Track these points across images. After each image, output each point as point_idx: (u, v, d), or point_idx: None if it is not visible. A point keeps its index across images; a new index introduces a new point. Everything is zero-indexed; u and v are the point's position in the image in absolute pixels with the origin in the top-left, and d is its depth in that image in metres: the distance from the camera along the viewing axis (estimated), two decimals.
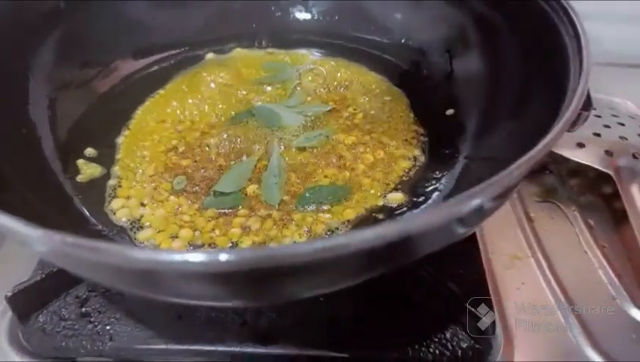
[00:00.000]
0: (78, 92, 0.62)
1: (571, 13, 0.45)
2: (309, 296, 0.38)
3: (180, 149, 0.58)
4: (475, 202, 0.30)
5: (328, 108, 0.63)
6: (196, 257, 0.26)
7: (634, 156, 0.61)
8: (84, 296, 0.50)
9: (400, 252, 0.33)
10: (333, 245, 0.27)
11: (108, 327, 0.48)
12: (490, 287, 0.51)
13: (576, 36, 0.42)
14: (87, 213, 0.51)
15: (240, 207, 0.51)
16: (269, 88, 0.67)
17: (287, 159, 0.57)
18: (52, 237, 0.28)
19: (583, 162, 0.61)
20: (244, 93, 0.66)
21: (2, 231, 0.30)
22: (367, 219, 0.51)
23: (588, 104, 0.41)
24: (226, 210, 0.51)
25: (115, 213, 0.51)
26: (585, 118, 0.42)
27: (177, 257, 0.26)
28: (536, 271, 0.55)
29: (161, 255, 0.27)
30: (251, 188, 0.53)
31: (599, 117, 0.67)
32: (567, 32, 0.45)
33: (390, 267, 0.36)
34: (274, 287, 0.32)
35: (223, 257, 0.25)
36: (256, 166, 0.56)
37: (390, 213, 0.52)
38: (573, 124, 0.40)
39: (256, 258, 0.26)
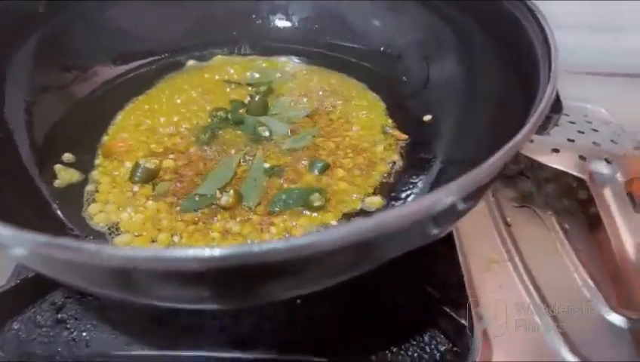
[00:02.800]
0: (56, 96, 0.61)
1: (541, 19, 0.47)
2: (286, 297, 0.38)
3: (160, 154, 0.58)
4: (446, 200, 0.30)
5: (307, 113, 0.64)
6: (170, 253, 0.26)
7: (607, 161, 0.62)
8: (60, 303, 0.50)
9: (374, 250, 0.33)
10: (306, 243, 0.27)
11: (84, 334, 0.48)
12: (467, 290, 0.52)
13: (546, 42, 0.43)
14: (65, 219, 0.51)
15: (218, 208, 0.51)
16: (249, 93, 0.68)
17: (268, 164, 0.57)
18: (24, 237, 0.28)
19: (558, 167, 0.63)
20: (225, 99, 0.66)
21: None
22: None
23: (557, 107, 0.42)
24: (206, 213, 0.51)
25: (92, 218, 0.51)
26: (555, 120, 0.43)
27: (150, 253, 0.26)
28: (513, 274, 0.56)
29: (133, 251, 0.27)
30: (230, 193, 0.52)
31: (573, 123, 0.69)
32: (537, 37, 0.46)
33: (366, 266, 0.36)
34: (248, 287, 0.32)
35: (192, 253, 0.26)
36: (236, 173, 0.56)
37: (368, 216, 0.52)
38: (544, 127, 0.41)
39: (227, 255, 0.26)
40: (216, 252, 0.26)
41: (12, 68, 0.57)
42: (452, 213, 0.34)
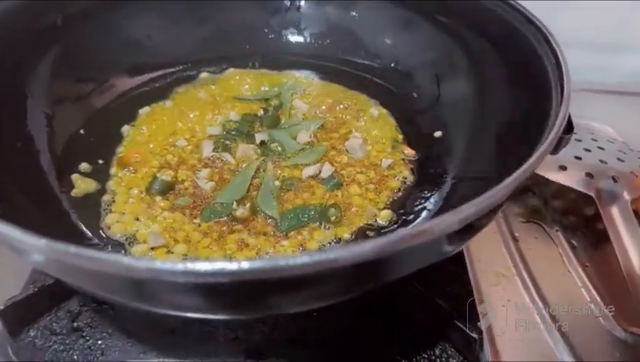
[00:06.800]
0: (74, 108, 0.62)
1: (552, 41, 0.48)
2: (300, 310, 0.38)
3: (173, 165, 0.59)
4: (462, 220, 0.31)
5: (318, 127, 0.65)
6: (193, 266, 0.27)
7: (613, 179, 0.63)
8: (76, 311, 0.50)
9: (387, 268, 0.34)
10: (323, 259, 0.28)
11: (100, 342, 0.48)
12: (477, 304, 0.52)
13: (557, 64, 0.45)
14: (84, 228, 0.51)
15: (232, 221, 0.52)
16: (261, 107, 0.69)
17: (281, 176, 0.58)
18: (54, 248, 0.29)
19: (565, 184, 0.64)
20: (237, 111, 0.67)
21: (5, 239, 0.31)
22: (359, 237, 0.52)
23: (569, 128, 0.43)
24: (222, 222, 0.52)
25: (109, 228, 0.52)
26: (567, 141, 0.44)
27: (174, 266, 0.27)
28: (521, 288, 0.57)
29: (159, 264, 0.27)
30: (247, 206, 0.53)
31: (580, 141, 0.70)
32: (549, 59, 0.47)
33: (380, 282, 0.37)
34: (265, 299, 0.33)
35: (217, 266, 0.27)
36: (251, 183, 0.56)
37: (380, 230, 0.53)
38: (556, 147, 0.42)
39: (251, 269, 0.27)
40: (245, 265, 0.27)
41: (33, 81, 0.58)
42: (467, 232, 0.35)
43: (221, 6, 0.75)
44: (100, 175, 0.57)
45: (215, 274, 0.27)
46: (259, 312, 0.38)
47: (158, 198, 0.55)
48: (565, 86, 0.42)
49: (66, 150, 0.58)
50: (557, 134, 0.37)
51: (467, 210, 0.31)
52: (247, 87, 0.72)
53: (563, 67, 0.44)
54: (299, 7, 0.76)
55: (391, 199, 0.56)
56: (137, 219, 0.52)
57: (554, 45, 0.47)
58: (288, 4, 0.76)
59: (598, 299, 0.56)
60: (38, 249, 0.29)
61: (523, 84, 0.51)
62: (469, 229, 0.36)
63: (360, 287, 0.37)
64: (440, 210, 0.54)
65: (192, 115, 0.67)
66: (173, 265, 0.27)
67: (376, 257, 0.29)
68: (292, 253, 0.50)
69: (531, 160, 0.35)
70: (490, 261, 0.59)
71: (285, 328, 0.49)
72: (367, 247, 0.28)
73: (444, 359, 0.48)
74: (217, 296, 0.32)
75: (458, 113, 0.62)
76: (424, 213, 0.54)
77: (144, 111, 0.67)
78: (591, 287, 0.57)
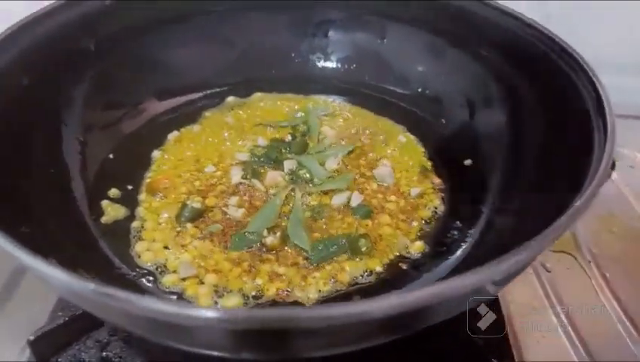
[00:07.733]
0: (105, 133, 0.63)
1: (591, 74, 0.47)
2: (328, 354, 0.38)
3: (202, 191, 0.59)
4: (511, 268, 0.30)
5: (346, 153, 0.64)
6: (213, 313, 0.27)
7: None
8: (105, 340, 0.50)
9: (434, 313, 0.34)
10: (349, 312, 0.28)
11: None
12: (510, 339, 0.51)
13: (598, 98, 0.44)
14: (113, 256, 0.51)
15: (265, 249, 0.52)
16: (289, 132, 0.69)
17: (310, 204, 0.57)
18: (100, 291, 0.29)
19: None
20: (265, 136, 0.67)
21: (48, 279, 0.31)
22: (391, 269, 0.52)
23: (612, 164, 0.42)
24: (253, 252, 0.52)
25: (139, 256, 0.51)
26: (607, 178, 0.43)
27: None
28: (555, 323, 0.55)
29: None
30: (277, 235, 0.53)
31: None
32: (589, 92, 0.46)
33: (417, 328, 0.36)
34: (292, 343, 0.33)
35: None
36: (281, 212, 0.56)
37: (413, 263, 0.52)
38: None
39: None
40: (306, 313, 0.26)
41: (68, 107, 0.59)
42: (511, 276, 0.34)
43: (249, 30, 0.75)
44: (129, 201, 0.57)
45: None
46: (286, 354, 0.37)
47: (188, 225, 0.54)
48: (609, 125, 0.40)
49: (97, 176, 0.59)
50: (603, 176, 0.36)
51: (510, 260, 0.30)
52: (273, 111, 0.72)
53: (605, 103, 0.43)
54: (327, 33, 0.76)
55: (422, 230, 0.55)
56: (167, 248, 0.52)
57: (593, 78, 0.46)
58: (316, 29, 0.76)
59: (635, 334, 0.54)
60: (85, 292, 0.29)
61: (561, 117, 0.50)
62: (514, 274, 0.36)
63: (396, 333, 0.36)
64: (476, 244, 0.53)
65: (220, 140, 0.66)
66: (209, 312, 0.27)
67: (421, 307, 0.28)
68: (323, 285, 0.49)
69: (577, 204, 0.34)
70: (522, 293, 0.58)
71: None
72: (411, 298, 0.28)
73: None
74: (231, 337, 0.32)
75: (491, 142, 0.61)
76: (458, 245, 0.54)
77: (173, 135, 0.67)
78: (627, 322, 0.56)
